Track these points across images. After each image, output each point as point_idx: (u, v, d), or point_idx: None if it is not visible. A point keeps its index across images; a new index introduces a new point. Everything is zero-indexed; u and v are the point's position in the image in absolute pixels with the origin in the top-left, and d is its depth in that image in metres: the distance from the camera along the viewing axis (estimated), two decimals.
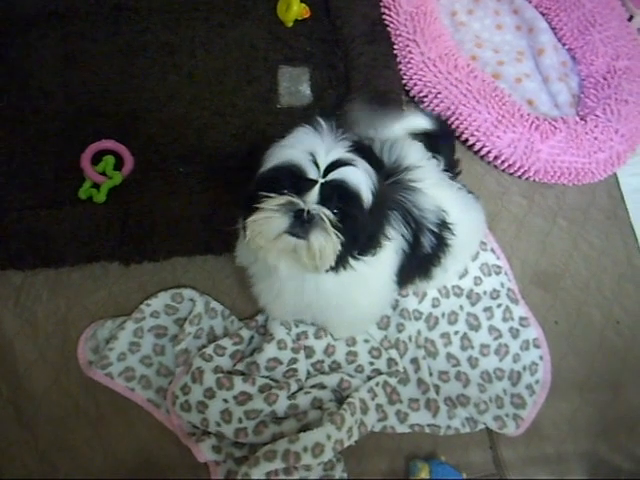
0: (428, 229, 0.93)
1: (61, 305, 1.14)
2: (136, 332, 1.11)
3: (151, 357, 1.11)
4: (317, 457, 0.98)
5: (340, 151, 0.79)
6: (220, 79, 1.28)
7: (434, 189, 0.95)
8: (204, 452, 1.03)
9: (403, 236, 0.90)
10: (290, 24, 1.31)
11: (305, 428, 1.04)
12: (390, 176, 0.92)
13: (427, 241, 0.93)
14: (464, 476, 1.07)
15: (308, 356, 1.11)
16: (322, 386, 1.08)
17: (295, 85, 1.27)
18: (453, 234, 0.96)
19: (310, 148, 0.80)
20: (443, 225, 0.94)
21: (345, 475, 1.06)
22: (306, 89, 1.27)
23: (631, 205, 1.29)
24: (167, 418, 1.08)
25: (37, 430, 1.07)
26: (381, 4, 1.28)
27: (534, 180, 1.25)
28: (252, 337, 1.12)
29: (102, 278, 1.16)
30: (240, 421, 1.03)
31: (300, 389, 1.08)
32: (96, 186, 1.18)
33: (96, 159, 1.20)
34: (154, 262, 1.15)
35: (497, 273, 1.20)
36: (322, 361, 1.11)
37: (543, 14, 1.38)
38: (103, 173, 1.19)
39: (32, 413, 1.08)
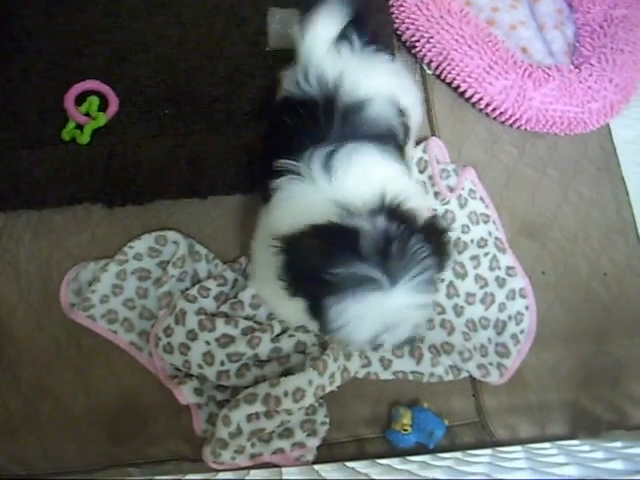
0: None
1: (43, 247, 1.13)
2: (119, 275, 1.09)
3: (134, 300, 1.10)
4: (298, 402, 0.98)
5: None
6: (209, 21, 1.24)
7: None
8: (186, 395, 1.03)
9: None
10: None
11: (287, 372, 1.04)
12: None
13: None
14: (446, 423, 1.07)
15: None
16: (306, 329, 1.07)
17: (285, 27, 1.24)
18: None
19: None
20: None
21: (327, 420, 1.06)
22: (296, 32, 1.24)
23: (623, 157, 1.27)
24: (149, 361, 1.07)
25: (19, 372, 1.07)
26: None
27: (525, 129, 1.23)
28: (236, 279, 1.11)
29: (85, 220, 1.14)
30: (222, 364, 1.02)
31: (284, 332, 1.07)
32: (80, 127, 1.16)
33: (80, 100, 1.18)
34: (138, 205, 1.12)
35: (485, 222, 1.18)
36: None
37: None
38: (87, 114, 1.17)
39: (14, 356, 1.08)
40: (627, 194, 1.25)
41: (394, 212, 0.79)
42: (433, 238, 0.79)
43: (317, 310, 0.79)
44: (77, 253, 1.13)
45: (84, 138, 1.15)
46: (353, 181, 0.84)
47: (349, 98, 0.89)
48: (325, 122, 0.88)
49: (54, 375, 1.07)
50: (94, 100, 1.17)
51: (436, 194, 1.16)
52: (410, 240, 0.76)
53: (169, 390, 1.04)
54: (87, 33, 1.22)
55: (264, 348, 1.03)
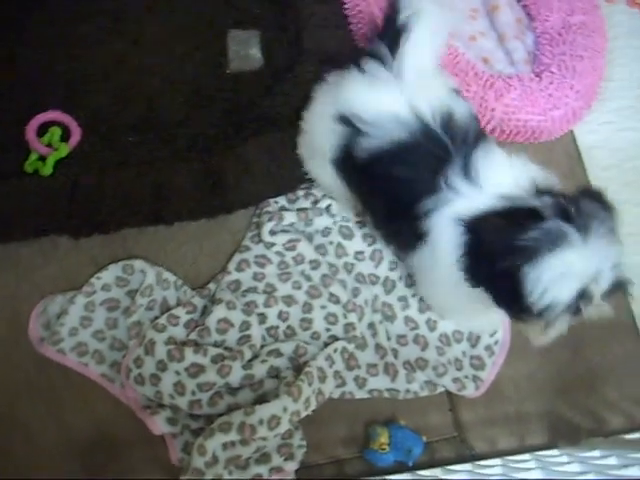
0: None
1: (10, 281, 1.11)
2: (87, 306, 1.08)
3: (104, 331, 1.08)
4: (273, 429, 0.96)
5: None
6: (168, 45, 1.24)
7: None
8: (159, 425, 1.01)
9: None
10: None
11: (261, 398, 1.02)
12: None
13: None
14: (424, 439, 1.06)
15: (261, 322, 1.09)
16: (278, 353, 1.06)
17: (245, 49, 1.24)
18: None
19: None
20: None
21: (304, 442, 1.04)
22: (256, 52, 1.24)
23: (588, 162, 1.27)
24: (122, 392, 1.06)
25: None
26: None
27: None
28: (205, 306, 1.10)
29: (51, 252, 1.13)
30: (194, 393, 1.01)
31: (255, 357, 1.06)
32: (42, 159, 1.15)
33: (42, 131, 1.17)
34: (104, 234, 1.11)
35: None
36: (277, 327, 1.09)
37: None
38: (49, 145, 1.16)
39: None
40: None
41: (549, 190, 0.86)
42: (595, 198, 0.84)
43: (510, 289, 0.80)
44: (45, 286, 1.11)
45: (47, 169, 1.14)
46: (498, 180, 0.88)
47: (440, 115, 0.90)
48: (440, 148, 0.89)
49: (26, 409, 1.05)
50: (56, 131, 1.17)
51: None
52: (581, 202, 0.82)
53: (143, 421, 1.03)
54: (45, 64, 1.22)
55: (235, 376, 1.02)
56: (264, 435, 0.97)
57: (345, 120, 0.94)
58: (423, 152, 0.90)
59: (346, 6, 1.21)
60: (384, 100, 0.92)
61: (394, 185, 0.93)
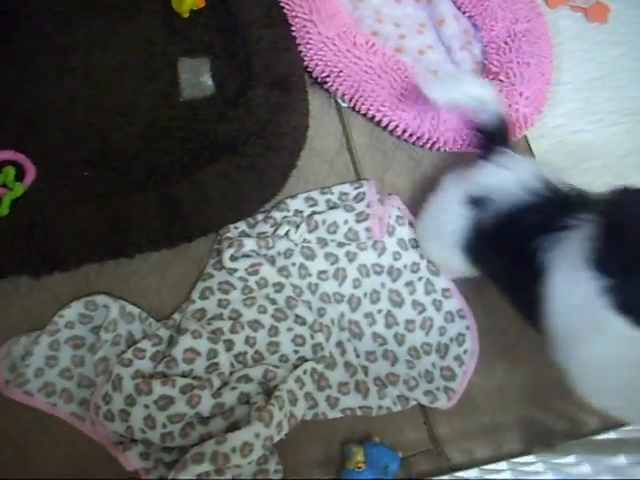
0: None
1: None
2: (52, 345, 1.06)
3: (71, 369, 1.06)
4: (246, 457, 0.95)
5: None
6: (118, 78, 1.24)
7: None
8: (132, 460, 0.99)
9: None
10: (186, 15, 1.27)
11: (233, 426, 1.01)
12: None
13: None
14: (400, 455, 1.06)
15: (228, 349, 1.08)
16: (248, 379, 1.05)
17: (196, 76, 1.24)
18: None
19: None
20: None
21: (280, 467, 1.03)
22: (207, 79, 1.24)
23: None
24: (92, 430, 1.04)
25: None
26: None
27: (445, 150, 1.24)
28: (171, 336, 1.09)
29: (12, 293, 1.11)
30: (165, 426, 1.00)
31: (225, 384, 1.05)
32: None
33: None
34: (65, 272, 1.10)
35: (414, 247, 1.19)
36: (244, 352, 1.08)
37: None
38: (4, 185, 1.14)
39: None
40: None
41: None
42: None
43: None
44: (8, 328, 1.09)
45: (3, 210, 1.12)
46: None
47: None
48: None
49: None
50: (10, 170, 1.15)
51: (366, 229, 1.16)
52: None
53: (115, 457, 1.01)
54: None
55: (205, 405, 1.01)
56: (238, 463, 0.95)
57: (475, 201, 0.99)
58: (545, 213, 0.92)
59: (293, 28, 1.22)
60: (511, 176, 0.97)
61: (522, 247, 0.93)
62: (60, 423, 1.04)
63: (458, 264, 1.07)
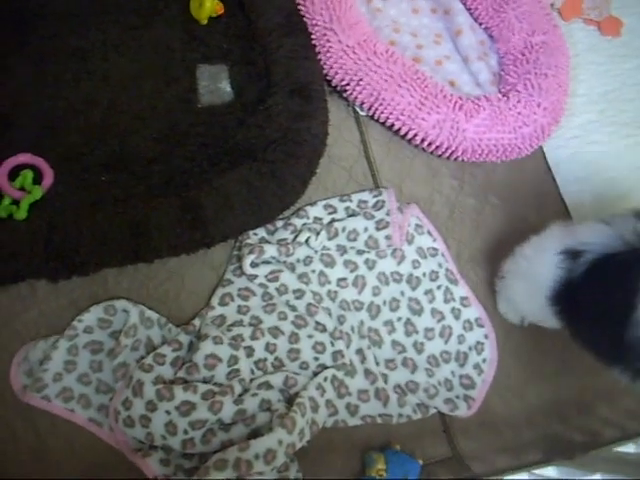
0: None
1: None
2: (70, 350, 1.05)
3: (89, 374, 1.06)
4: (269, 464, 0.95)
5: None
6: (137, 82, 1.23)
7: None
8: (153, 467, 0.98)
9: None
10: (204, 22, 1.27)
11: (254, 433, 1.01)
12: None
13: None
14: (420, 462, 1.06)
15: (249, 355, 1.07)
16: (269, 386, 1.05)
17: (214, 83, 1.24)
18: None
19: None
20: None
21: (300, 475, 1.03)
22: (226, 86, 1.24)
23: (559, 177, 1.30)
24: (111, 436, 1.03)
25: None
26: None
27: (462, 160, 1.25)
28: (191, 342, 1.08)
29: (30, 297, 1.10)
30: (186, 432, 0.99)
31: (246, 391, 1.05)
32: (15, 202, 1.13)
33: (13, 174, 1.15)
34: (84, 276, 1.09)
35: (433, 255, 1.20)
36: (264, 359, 1.08)
37: None
38: (22, 188, 1.14)
39: None
40: (567, 212, 1.28)
41: None
42: None
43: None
44: (25, 332, 1.08)
45: (21, 213, 1.11)
46: None
47: None
48: None
49: (11, 463, 1.02)
50: (28, 174, 1.14)
51: (386, 237, 1.17)
52: None
53: (134, 464, 1.00)
54: (13, 105, 1.19)
55: (227, 412, 1.00)
56: (261, 470, 0.95)
57: (572, 253, 0.99)
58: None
59: (313, 37, 1.23)
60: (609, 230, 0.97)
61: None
62: (77, 429, 1.04)
63: (539, 310, 1.06)
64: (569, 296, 1.00)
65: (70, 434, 1.04)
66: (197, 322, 1.10)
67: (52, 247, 1.07)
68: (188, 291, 1.13)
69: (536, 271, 1.06)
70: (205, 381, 1.04)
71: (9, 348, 1.07)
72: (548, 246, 1.05)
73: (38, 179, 1.16)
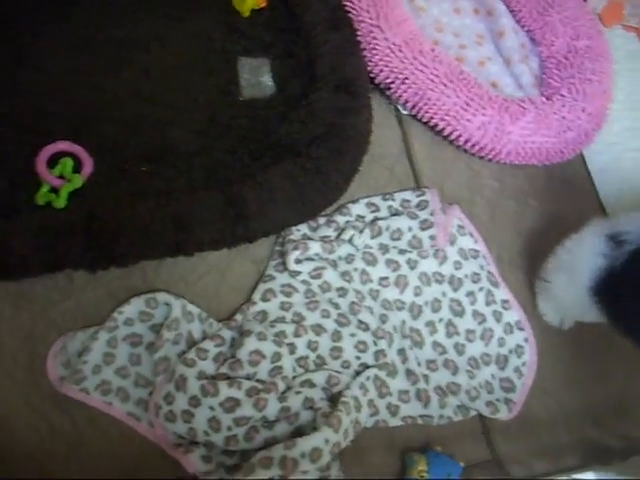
0: None
1: (25, 320, 1.06)
2: (110, 342, 1.04)
3: (127, 367, 1.04)
4: (315, 462, 0.94)
5: None
6: (178, 74, 1.22)
7: None
8: (195, 463, 0.97)
9: None
10: (247, 14, 1.26)
11: (297, 430, 1.00)
12: None
13: None
14: (462, 465, 1.05)
15: (291, 352, 1.06)
16: (311, 384, 1.04)
17: (256, 76, 1.23)
18: None
19: None
20: None
21: (342, 474, 1.02)
22: (268, 80, 1.23)
23: (599, 183, 1.31)
24: (150, 431, 1.02)
25: (9, 454, 0.99)
26: None
27: (504, 162, 1.25)
28: (233, 338, 1.07)
29: (67, 287, 1.08)
30: (229, 429, 0.98)
31: (289, 388, 1.04)
32: (54, 190, 1.11)
33: (52, 162, 1.12)
34: (122, 267, 1.07)
35: (474, 257, 1.19)
36: (306, 357, 1.07)
37: None
38: (61, 176, 1.12)
39: (3, 438, 1.00)
40: (607, 216, 1.28)
41: None
42: None
43: None
44: (62, 323, 1.06)
45: (61, 202, 1.09)
46: None
47: None
48: None
49: (48, 454, 1.00)
50: (68, 162, 1.12)
51: (431, 237, 1.16)
52: None
53: (173, 459, 0.99)
54: (52, 93, 1.17)
55: (272, 409, 1.00)
56: (306, 469, 0.94)
57: (613, 240, 1.00)
58: None
59: (359, 33, 1.22)
60: None
61: None
62: (115, 422, 1.02)
63: (580, 303, 1.07)
64: (610, 285, 1.00)
65: (108, 427, 1.02)
66: (239, 317, 1.09)
67: (92, 237, 1.05)
68: (228, 286, 1.12)
69: (578, 262, 1.06)
70: (248, 378, 1.03)
71: (46, 338, 1.06)
72: (589, 237, 1.06)
73: (77, 168, 1.15)
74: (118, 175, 1.15)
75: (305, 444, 0.94)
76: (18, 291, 1.08)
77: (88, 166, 1.14)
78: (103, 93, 1.19)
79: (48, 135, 1.14)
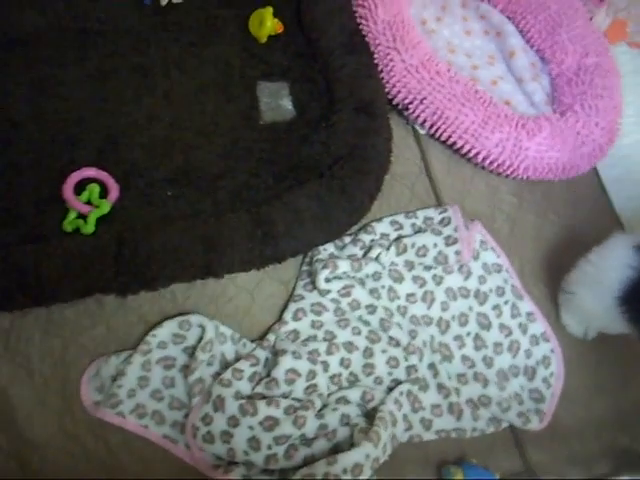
0: None
1: (56, 345, 1.06)
2: (144, 365, 1.04)
3: (161, 390, 1.04)
4: (356, 478, 0.94)
5: None
6: (198, 99, 1.24)
7: None
8: None
9: None
10: (264, 40, 1.28)
11: (335, 447, 1.01)
12: None
13: None
14: (497, 476, 1.06)
15: (324, 370, 1.07)
16: (346, 401, 1.05)
17: (275, 100, 1.25)
18: None
19: None
20: None
21: None
22: (287, 104, 1.25)
23: (613, 195, 1.34)
24: (187, 453, 1.02)
25: None
26: (357, 15, 1.27)
27: (522, 178, 1.27)
28: (267, 358, 1.08)
29: (98, 313, 1.09)
30: (269, 447, 0.98)
31: (325, 406, 1.05)
32: (82, 217, 1.12)
33: (78, 189, 1.14)
34: (152, 291, 1.08)
35: (498, 271, 1.21)
36: (339, 374, 1.08)
37: (509, 18, 1.41)
38: (89, 202, 1.13)
39: (38, 465, 1.00)
40: (623, 228, 1.31)
41: None
42: None
43: None
44: (93, 348, 1.07)
45: (89, 228, 1.10)
46: None
47: None
48: None
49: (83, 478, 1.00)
50: (95, 188, 1.13)
51: (456, 252, 1.18)
52: None
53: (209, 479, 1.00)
54: (76, 120, 1.18)
55: (310, 426, 1.00)
56: None
57: None
58: None
59: (376, 56, 1.25)
60: None
61: None
62: (150, 445, 1.02)
63: (606, 315, 1.09)
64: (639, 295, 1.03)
65: (143, 450, 1.02)
66: (271, 337, 1.09)
67: (122, 262, 1.06)
68: (258, 306, 1.13)
69: (604, 274, 1.09)
70: (284, 396, 1.04)
71: (77, 364, 1.06)
72: (616, 249, 1.08)
73: (103, 193, 1.16)
74: (144, 200, 1.16)
75: (346, 460, 0.95)
76: (48, 317, 1.08)
77: (114, 192, 1.15)
78: (126, 119, 1.21)
79: (72, 161, 1.16)
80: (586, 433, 1.15)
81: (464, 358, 1.14)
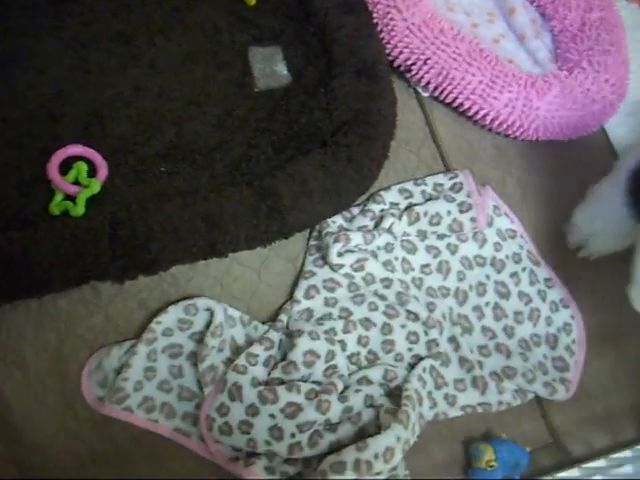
0: None
1: (51, 339, 0.98)
2: (150, 355, 0.97)
3: (169, 381, 0.97)
4: (388, 462, 0.88)
5: None
6: (187, 67, 1.15)
7: None
8: (259, 475, 0.91)
9: None
10: (252, 2, 1.20)
11: (361, 431, 0.95)
12: None
13: None
14: (528, 449, 1.02)
15: (343, 349, 1.01)
16: (368, 381, 0.99)
17: (270, 66, 1.17)
18: None
19: None
20: None
21: (407, 472, 0.97)
22: (282, 69, 1.17)
23: (622, 154, 1.30)
24: (201, 446, 0.95)
25: None
26: None
27: (530, 139, 1.22)
28: (281, 340, 1.01)
29: (94, 301, 1.01)
30: (293, 436, 0.92)
31: (346, 387, 0.99)
32: (70, 198, 1.03)
33: (64, 168, 1.04)
34: (153, 275, 1.00)
35: (512, 237, 1.16)
36: (358, 353, 1.02)
37: None
38: (76, 182, 1.04)
39: (40, 469, 0.93)
40: None
41: None
42: None
43: None
44: (92, 339, 0.99)
45: (79, 209, 1.01)
46: None
47: None
48: None
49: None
50: (82, 166, 1.04)
51: (472, 219, 1.12)
52: None
53: (228, 473, 0.93)
54: (56, 94, 1.08)
55: (335, 410, 0.94)
56: (380, 469, 0.88)
57: None
58: None
59: (375, 15, 1.17)
60: None
61: None
62: (160, 440, 0.96)
63: (622, 227, 1.05)
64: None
65: (155, 446, 0.95)
66: (284, 317, 1.02)
67: (119, 245, 0.97)
68: (266, 285, 1.06)
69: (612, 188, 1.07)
70: (303, 380, 0.98)
71: (76, 358, 0.98)
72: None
73: (91, 172, 1.06)
74: (136, 177, 1.07)
75: (377, 444, 0.89)
76: (40, 309, 1.00)
77: (103, 170, 1.06)
78: (110, 91, 1.11)
79: (56, 139, 1.06)
80: (609, 398, 1.12)
81: (484, 329, 1.10)
